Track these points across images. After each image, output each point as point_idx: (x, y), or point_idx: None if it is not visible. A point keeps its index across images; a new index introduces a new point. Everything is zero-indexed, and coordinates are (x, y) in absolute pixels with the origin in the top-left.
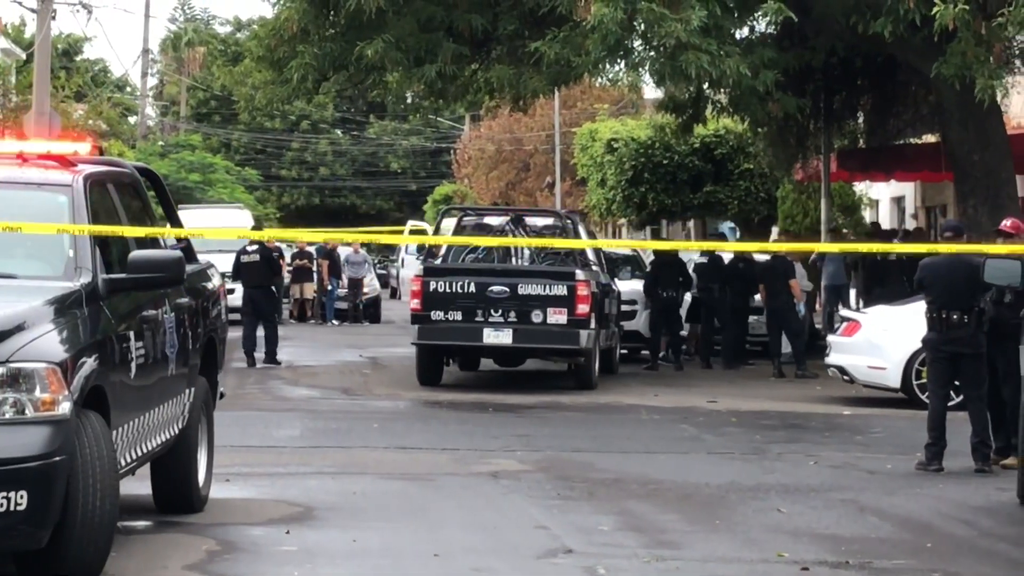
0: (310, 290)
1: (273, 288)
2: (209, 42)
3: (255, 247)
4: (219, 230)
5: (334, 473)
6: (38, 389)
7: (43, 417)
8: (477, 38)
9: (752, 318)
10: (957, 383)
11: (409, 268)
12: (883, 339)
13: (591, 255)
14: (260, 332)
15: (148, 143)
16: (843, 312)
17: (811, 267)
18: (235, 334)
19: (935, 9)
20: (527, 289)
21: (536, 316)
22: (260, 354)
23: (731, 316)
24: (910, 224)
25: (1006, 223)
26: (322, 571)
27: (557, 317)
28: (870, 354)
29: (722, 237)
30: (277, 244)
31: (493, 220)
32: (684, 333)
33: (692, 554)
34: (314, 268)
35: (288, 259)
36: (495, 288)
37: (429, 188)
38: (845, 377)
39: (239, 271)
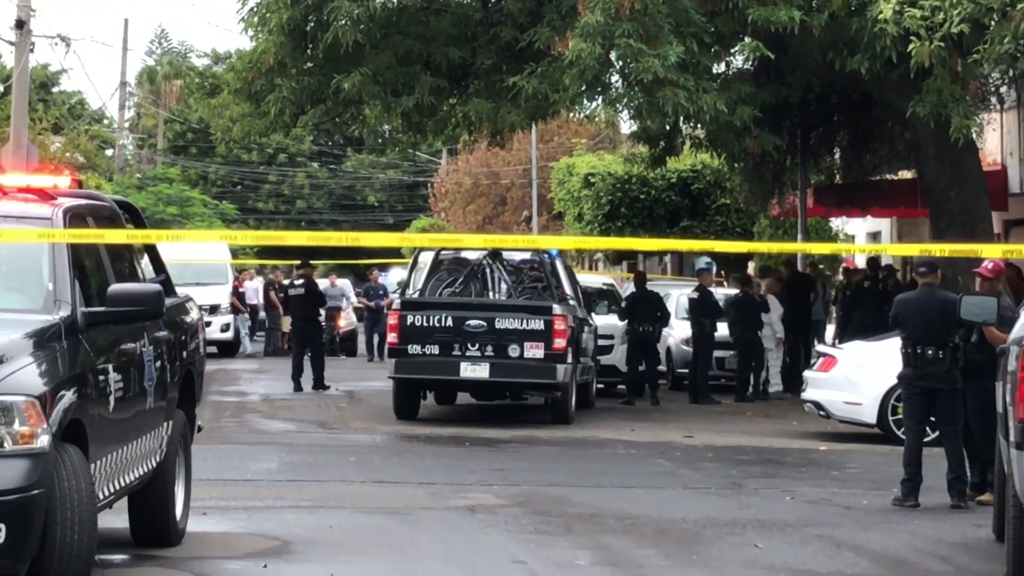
0: (287, 323)
1: (320, 320)
2: (186, 75)
3: (301, 282)
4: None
5: (311, 507)
6: (17, 422)
7: (22, 450)
8: (455, 72)
9: (728, 353)
10: (933, 419)
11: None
12: (859, 375)
13: (568, 289)
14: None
15: (125, 176)
16: (819, 348)
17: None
18: (211, 367)
19: (911, 47)
20: (504, 323)
21: (513, 350)
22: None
23: (699, 351)
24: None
25: (987, 265)
26: None
27: (534, 351)
28: (846, 390)
29: (701, 272)
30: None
31: (471, 254)
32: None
33: None
34: None
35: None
36: (472, 322)
37: (406, 221)
38: (821, 412)
39: (287, 304)
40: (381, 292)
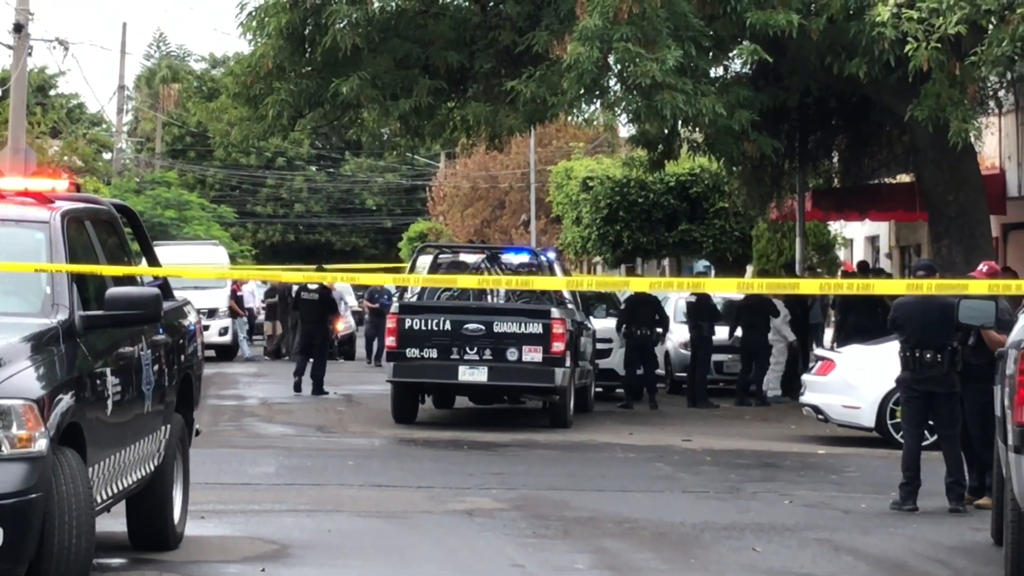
0: (273, 328)
1: (328, 326)
2: (184, 79)
3: (315, 286)
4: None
5: (309, 511)
6: (15, 426)
7: (19, 454)
8: (453, 76)
9: (727, 357)
10: (931, 423)
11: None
12: (857, 378)
13: (566, 293)
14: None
15: (123, 179)
16: (818, 351)
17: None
18: (209, 371)
19: (908, 48)
20: (502, 327)
21: (511, 354)
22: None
23: (698, 355)
24: (884, 264)
25: (981, 268)
26: None
27: (532, 355)
28: (845, 393)
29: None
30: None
31: (469, 258)
32: (659, 371)
33: None
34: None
35: (262, 296)
36: (470, 326)
37: (404, 225)
38: (820, 416)
39: (297, 306)
40: (386, 296)
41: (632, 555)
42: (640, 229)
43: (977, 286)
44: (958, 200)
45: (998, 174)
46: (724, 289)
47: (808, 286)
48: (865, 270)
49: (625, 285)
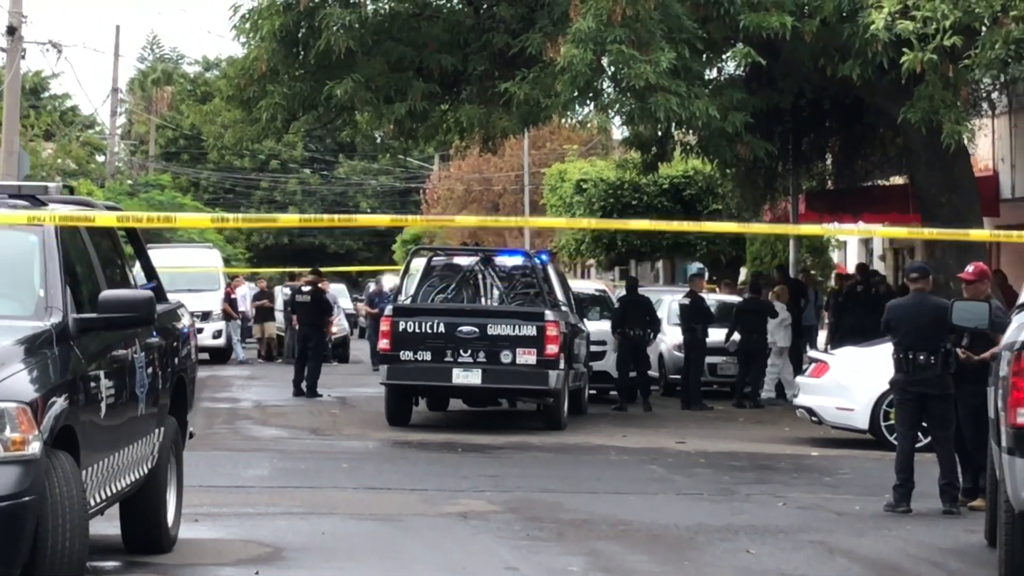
0: (271, 329)
1: (323, 328)
2: (178, 81)
3: (309, 288)
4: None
5: (303, 513)
6: (8, 429)
7: (13, 457)
8: (447, 79)
9: (720, 359)
10: (925, 424)
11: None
12: (851, 380)
13: (560, 295)
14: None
15: (117, 182)
16: (811, 353)
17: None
18: (203, 374)
19: (905, 58)
20: (496, 329)
21: (505, 356)
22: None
23: (691, 357)
24: (878, 266)
25: (968, 269)
26: None
27: (526, 357)
28: (838, 395)
29: (692, 278)
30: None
31: (463, 260)
32: (653, 373)
33: None
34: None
35: (251, 299)
36: (464, 328)
37: (398, 228)
38: (813, 418)
39: (294, 309)
40: (386, 301)
41: (626, 557)
42: (634, 231)
43: (979, 235)
44: (951, 202)
45: (991, 176)
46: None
47: (809, 229)
48: (865, 272)
49: (629, 226)
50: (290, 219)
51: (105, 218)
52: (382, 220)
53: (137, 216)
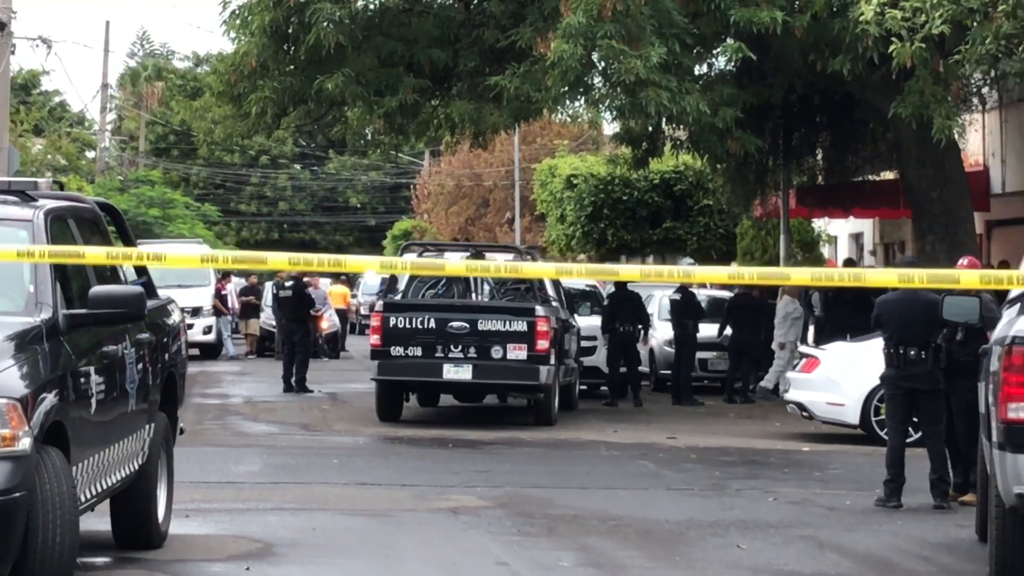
0: (255, 326)
1: (307, 322)
2: (168, 77)
3: (291, 283)
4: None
5: (294, 509)
6: None
7: (3, 453)
8: (438, 74)
9: (711, 354)
10: (915, 419)
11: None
12: (842, 375)
13: (551, 291)
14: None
15: (107, 178)
16: (802, 348)
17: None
18: (194, 369)
19: (893, 47)
20: (487, 325)
21: (496, 352)
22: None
23: (682, 352)
24: (868, 261)
25: (962, 262)
26: None
27: (517, 353)
28: (829, 390)
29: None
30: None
31: (453, 256)
32: (643, 368)
33: None
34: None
35: (237, 294)
36: (455, 324)
37: (388, 223)
38: (804, 413)
39: (278, 304)
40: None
41: (617, 552)
42: (624, 227)
43: (968, 277)
44: (942, 197)
45: (982, 171)
46: (714, 279)
47: (799, 276)
48: (852, 267)
49: (615, 275)
50: (279, 262)
51: (95, 255)
52: (371, 264)
53: (127, 253)
